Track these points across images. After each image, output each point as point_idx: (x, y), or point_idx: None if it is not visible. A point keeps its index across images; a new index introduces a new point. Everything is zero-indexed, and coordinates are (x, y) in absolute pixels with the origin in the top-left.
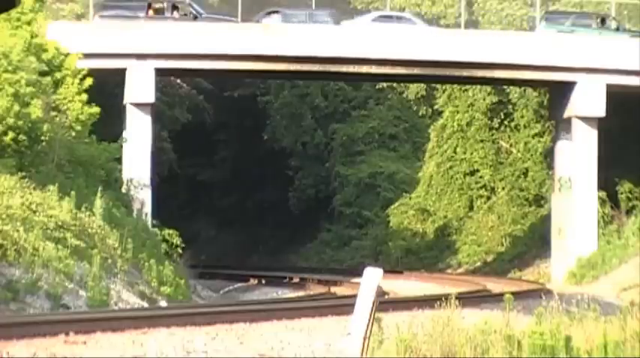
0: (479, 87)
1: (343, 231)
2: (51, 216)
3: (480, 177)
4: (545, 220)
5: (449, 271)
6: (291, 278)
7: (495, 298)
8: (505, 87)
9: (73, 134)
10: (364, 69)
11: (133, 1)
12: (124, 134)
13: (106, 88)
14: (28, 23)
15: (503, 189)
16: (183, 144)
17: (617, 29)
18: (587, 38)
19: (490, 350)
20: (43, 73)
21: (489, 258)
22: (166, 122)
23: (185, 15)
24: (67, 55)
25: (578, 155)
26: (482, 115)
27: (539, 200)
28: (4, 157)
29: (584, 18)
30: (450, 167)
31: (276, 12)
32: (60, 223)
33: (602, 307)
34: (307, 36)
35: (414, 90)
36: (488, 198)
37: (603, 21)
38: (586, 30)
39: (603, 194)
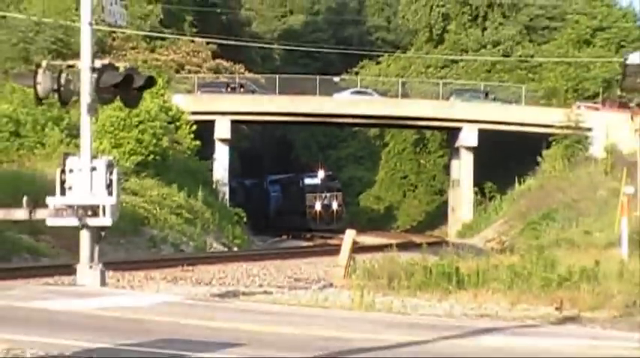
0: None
1: None
2: (174, 201)
3: (409, 179)
4: (445, 203)
5: (392, 231)
6: (306, 235)
7: (417, 246)
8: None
9: (186, 156)
10: (346, 120)
11: (219, 83)
12: (214, 156)
13: (205, 130)
14: (162, 94)
15: (422, 186)
16: (244, 163)
17: (494, 99)
18: (470, 103)
19: (415, 274)
20: (169, 122)
21: (414, 224)
22: (235, 149)
23: (246, 90)
24: (182, 112)
25: (463, 167)
26: (410, 145)
27: (442, 192)
28: (148, 168)
29: (476, 92)
30: (393, 174)
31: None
32: (179, 205)
33: (476, 251)
34: (313, 102)
35: (373, 131)
36: (414, 190)
37: (487, 94)
38: (477, 99)
39: (476, 189)
